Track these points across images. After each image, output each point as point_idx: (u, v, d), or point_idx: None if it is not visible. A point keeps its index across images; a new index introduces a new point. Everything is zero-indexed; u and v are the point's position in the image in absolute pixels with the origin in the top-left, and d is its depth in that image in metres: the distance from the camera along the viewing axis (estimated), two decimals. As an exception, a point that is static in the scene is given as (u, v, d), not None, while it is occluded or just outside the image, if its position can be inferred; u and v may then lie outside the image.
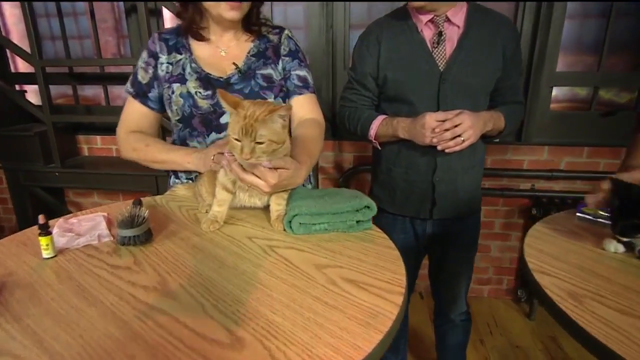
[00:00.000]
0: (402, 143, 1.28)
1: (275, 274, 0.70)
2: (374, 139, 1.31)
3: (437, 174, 1.28)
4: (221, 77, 1.14)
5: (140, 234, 0.81)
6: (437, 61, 1.23)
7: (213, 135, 1.14)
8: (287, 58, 1.18)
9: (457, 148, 1.17)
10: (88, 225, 0.90)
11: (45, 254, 0.76)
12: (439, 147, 1.17)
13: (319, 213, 0.86)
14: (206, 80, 1.13)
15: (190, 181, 1.21)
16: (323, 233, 0.87)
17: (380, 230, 0.88)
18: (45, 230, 0.75)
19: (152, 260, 0.76)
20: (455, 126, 1.13)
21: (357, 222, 0.87)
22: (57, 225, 0.88)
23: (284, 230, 0.88)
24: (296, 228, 0.85)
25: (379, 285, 0.67)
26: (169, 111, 1.18)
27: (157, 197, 1.12)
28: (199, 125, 1.14)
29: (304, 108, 1.18)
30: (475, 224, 1.41)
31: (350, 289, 0.66)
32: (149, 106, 1.18)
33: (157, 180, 2.28)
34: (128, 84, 1.20)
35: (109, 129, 2.60)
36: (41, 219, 0.75)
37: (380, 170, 1.39)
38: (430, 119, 1.15)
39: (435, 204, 1.31)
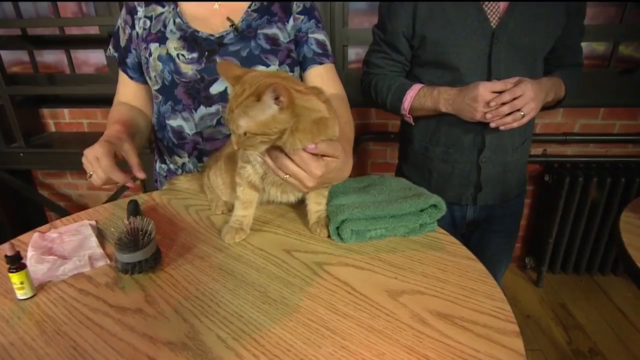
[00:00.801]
0: (441, 118, 1.08)
1: (339, 309, 0.53)
2: (408, 113, 1.11)
3: (484, 154, 1.09)
4: (212, 35, 0.92)
5: (148, 257, 0.61)
6: (489, 16, 1.01)
7: (202, 110, 0.93)
8: (301, 17, 0.96)
9: (515, 125, 0.97)
10: (73, 241, 0.70)
11: (20, 294, 0.56)
12: (492, 124, 0.98)
13: (376, 217, 0.68)
14: (192, 40, 0.91)
15: (178, 171, 1.01)
16: (378, 239, 0.70)
17: (446, 232, 0.72)
18: (17, 264, 0.55)
19: (170, 294, 0.57)
20: (514, 98, 0.94)
21: (420, 225, 0.70)
22: (32, 244, 0.67)
23: (329, 237, 0.70)
24: (347, 236, 0.67)
25: (484, 322, 0.51)
26: (147, 79, 0.98)
27: (155, 194, 0.91)
28: (183, 97, 0.93)
29: (325, 81, 0.96)
30: (520, 206, 1.26)
31: (449, 331, 0.49)
32: (128, 75, 1.00)
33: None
34: (110, 46, 1.02)
35: (77, 101, 2.28)
36: (9, 248, 0.54)
37: (413, 149, 1.20)
38: (485, 90, 0.95)
39: (481, 189, 1.14)
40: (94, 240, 0.70)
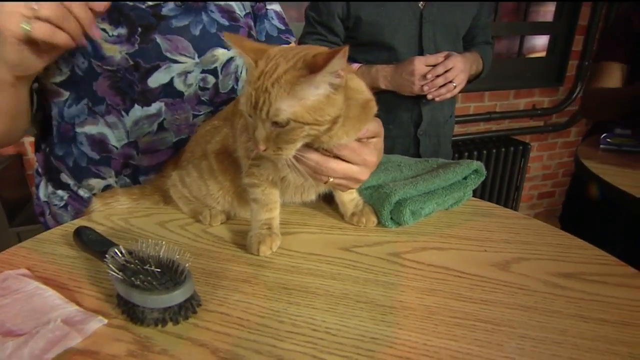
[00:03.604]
0: (379, 95, 1.08)
1: (472, 297, 0.44)
2: None
3: (421, 128, 1.16)
4: (142, 2, 0.67)
5: (192, 293, 0.40)
6: None
7: (137, 111, 0.68)
8: None
9: (449, 95, 1.06)
10: (10, 305, 0.42)
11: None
12: (429, 96, 1.05)
13: (428, 191, 0.60)
14: (115, 9, 0.64)
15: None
16: (426, 217, 0.62)
17: (477, 198, 0.69)
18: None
19: (251, 339, 0.38)
20: (446, 71, 1.01)
21: (464, 193, 0.65)
22: None
23: (382, 224, 0.59)
24: (407, 218, 0.57)
25: (600, 271, 0.48)
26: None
27: (97, 216, 0.63)
28: (108, 93, 0.66)
29: None
30: None
31: (582, 286, 0.45)
32: None
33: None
34: None
35: None
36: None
37: None
38: (420, 64, 1.01)
39: None
40: (53, 295, 0.43)
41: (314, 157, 0.48)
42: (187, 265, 0.40)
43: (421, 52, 1.08)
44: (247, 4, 0.77)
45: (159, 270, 0.39)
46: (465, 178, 0.64)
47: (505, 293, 0.44)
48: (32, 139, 1.71)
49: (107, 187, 0.73)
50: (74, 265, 0.50)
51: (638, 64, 1.25)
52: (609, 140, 0.96)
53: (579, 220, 1.27)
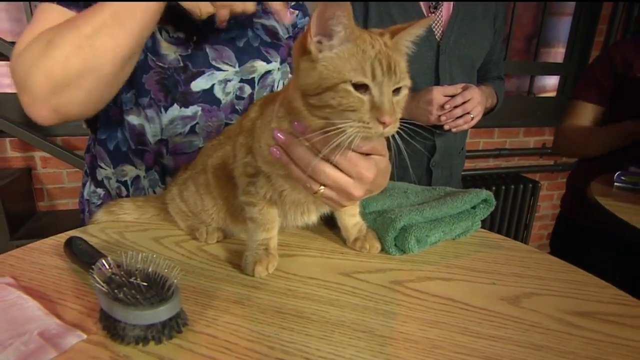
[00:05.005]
0: None
1: (479, 332, 0.41)
2: None
3: (434, 159, 1.14)
4: (200, 19, 0.71)
5: (179, 311, 0.38)
6: (434, 29, 1.07)
7: (174, 110, 0.70)
8: (296, 12, 0.84)
9: (466, 127, 1.04)
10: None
11: None
12: (446, 127, 1.03)
13: (435, 219, 0.58)
14: (177, 14, 0.67)
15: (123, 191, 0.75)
16: (432, 246, 0.59)
17: (486, 230, 0.66)
18: None
19: (235, 364, 0.35)
20: (464, 102, 1.00)
21: (472, 223, 0.62)
22: None
23: (386, 251, 0.56)
24: (412, 245, 0.55)
25: (619, 312, 0.45)
26: None
27: (93, 228, 0.62)
28: (154, 88, 0.69)
29: None
30: None
31: (599, 327, 0.42)
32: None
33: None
34: None
35: None
36: None
37: None
38: (438, 93, 1.00)
39: None
40: (34, 306, 0.41)
41: (309, 156, 0.44)
42: (175, 280, 0.38)
43: (437, 83, 1.08)
44: (290, 28, 0.83)
45: (145, 284, 0.37)
46: (474, 207, 0.61)
47: (516, 330, 0.41)
48: (42, 153, 1.72)
49: (137, 178, 0.75)
50: (60, 277, 0.48)
51: (617, 105, 1.23)
52: (623, 178, 0.93)
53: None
